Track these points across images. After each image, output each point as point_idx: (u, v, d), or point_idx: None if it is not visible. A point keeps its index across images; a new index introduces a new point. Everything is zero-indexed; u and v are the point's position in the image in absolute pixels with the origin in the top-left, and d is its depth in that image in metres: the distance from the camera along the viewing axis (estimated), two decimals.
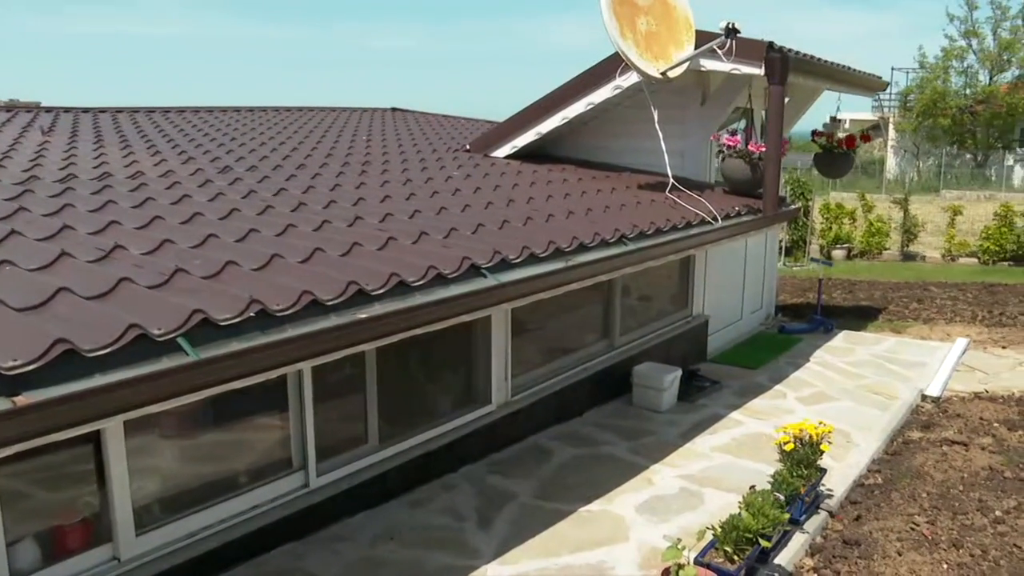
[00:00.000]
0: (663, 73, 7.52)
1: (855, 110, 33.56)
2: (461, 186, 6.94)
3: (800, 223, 18.42)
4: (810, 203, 18.76)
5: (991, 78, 35.79)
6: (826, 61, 8.74)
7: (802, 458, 5.66)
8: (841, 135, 9.92)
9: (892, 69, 36.83)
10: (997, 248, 18.11)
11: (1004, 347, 10.65)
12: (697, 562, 4.49)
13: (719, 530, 4.69)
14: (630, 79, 8.12)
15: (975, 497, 6.08)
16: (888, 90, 33.33)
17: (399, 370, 5.59)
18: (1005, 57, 34.87)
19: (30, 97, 10.96)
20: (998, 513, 5.82)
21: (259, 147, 8.39)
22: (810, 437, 5.75)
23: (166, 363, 3.01)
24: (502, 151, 9.31)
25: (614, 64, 8.36)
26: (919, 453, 7.02)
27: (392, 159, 8.36)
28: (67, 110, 10.26)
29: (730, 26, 7.18)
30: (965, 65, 35.75)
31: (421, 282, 4.09)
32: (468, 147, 9.68)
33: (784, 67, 7.58)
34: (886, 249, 19.37)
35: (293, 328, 3.46)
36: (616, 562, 4.92)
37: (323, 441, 5.04)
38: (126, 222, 4.64)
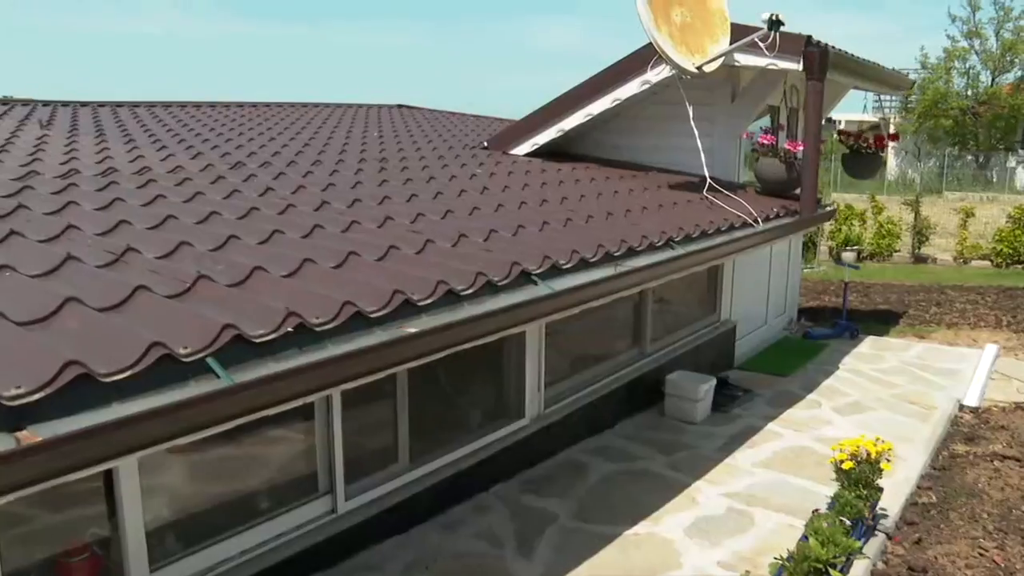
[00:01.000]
0: (699, 67, 7.14)
1: (847, 111, 33.31)
2: (488, 184, 6.54)
3: None
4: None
5: (993, 79, 35.55)
6: (860, 58, 8.40)
7: (860, 477, 5.28)
8: (869, 135, 9.60)
9: (893, 70, 36.56)
10: (1011, 251, 17.78)
11: None
12: None
13: (787, 562, 4.30)
14: (660, 74, 7.74)
15: None
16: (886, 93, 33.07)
17: (431, 383, 5.18)
18: (1008, 58, 34.61)
19: (24, 94, 10.53)
20: None
21: (268, 143, 7.97)
22: (868, 454, 5.38)
23: (195, 389, 2.60)
24: (522, 148, 8.92)
25: (641, 59, 8.00)
26: (969, 468, 6.65)
27: (409, 156, 7.95)
28: (65, 104, 9.81)
29: (774, 18, 6.79)
30: (967, 66, 35.52)
31: (470, 291, 3.69)
32: (486, 144, 9.28)
33: (824, 62, 7.21)
34: (896, 251, 19.04)
35: (335, 345, 3.05)
36: None
37: (351, 462, 4.63)
38: (136, 221, 4.23)
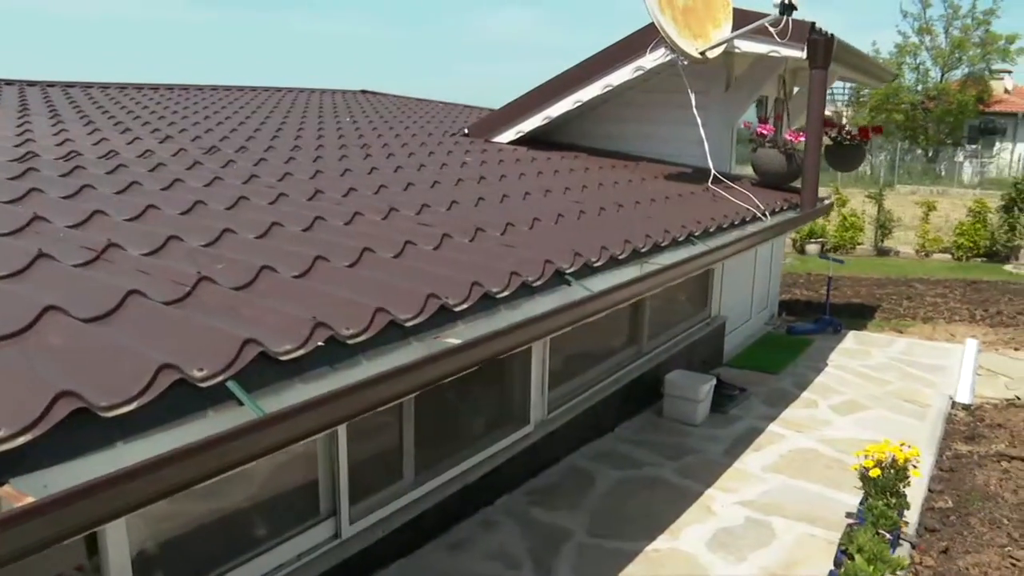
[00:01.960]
0: (702, 52, 6.79)
1: None
2: (484, 173, 6.11)
3: None
4: None
5: (943, 75, 36.13)
6: (858, 49, 8.17)
7: (887, 485, 5.02)
8: (852, 128, 9.43)
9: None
10: (971, 244, 17.94)
11: (1017, 349, 10.28)
12: None
13: None
14: (658, 59, 7.39)
15: None
16: (841, 84, 33.36)
17: (434, 391, 4.74)
18: (956, 55, 35.19)
19: None
20: None
21: (239, 126, 7.41)
22: (893, 460, 5.11)
23: (217, 422, 2.12)
24: (505, 136, 8.49)
25: (635, 44, 7.65)
26: (977, 470, 6.47)
27: (390, 142, 7.47)
28: (8, 83, 9.07)
29: (787, 1, 6.46)
30: (918, 61, 36.06)
31: (505, 293, 3.28)
32: (467, 131, 8.82)
33: (828, 50, 6.92)
34: (859, 244, 19.09)
35: (368, 360, 2.61)
36: None
37: (355, 480, 4.17)
38: (112, 211, 3.70)
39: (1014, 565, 4.97)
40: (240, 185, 4.71)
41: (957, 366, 9.20)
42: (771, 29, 6.69)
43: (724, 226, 5.55)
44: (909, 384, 8.53)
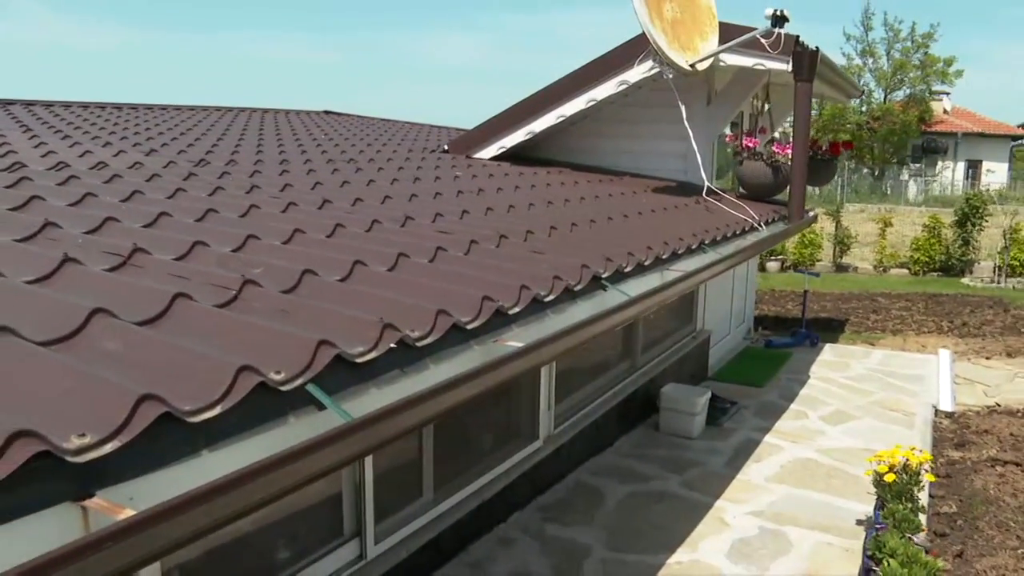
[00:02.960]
0: (692, 64, 6.82)
1: None
2: (481, 186, 6.02)
3: None
4: None
5: (885, 96, 37.24)
6: (836, 65, 8.33)
7: (902, 490, 5.01)
8: (824, 141, 9.60)
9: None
10: (927, 259, 18.38)
11: (988, 358, 10.48)
12: None
13: None
14: (643, 73, 7.41)
15: None
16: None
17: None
18: (899, 76, 36.32)
19: None
20: None
21: (219, 142, 7.22)
22: (906, 464, 5.11)
23: (298, 430, 1.97)
24: (487, 152, 8.41)
25: (618, 59, 7.68)
26: (973, 475, 6.52)
27: (376, 159, 7.34)
28: None
29: (779, 13, 6.54)
30: (862, 83, 37.05)
31: (551, 297, 3.18)
32: (446, 147, 8.73)
33: (813, 63, 7.02)
34: (819, 261, 19.41)
35: (435, 364, 2.49)
36: None
37: (379, 499, 4.00)
38: (124, 219, 3.51)
39: None
40: (244, 195, 4.55)
41: (935, 376, 9.36)
42: (763, 41, 6.75)
43: (728, 236, 5.54)
44: (891, 394, 8.62)
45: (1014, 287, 16.62)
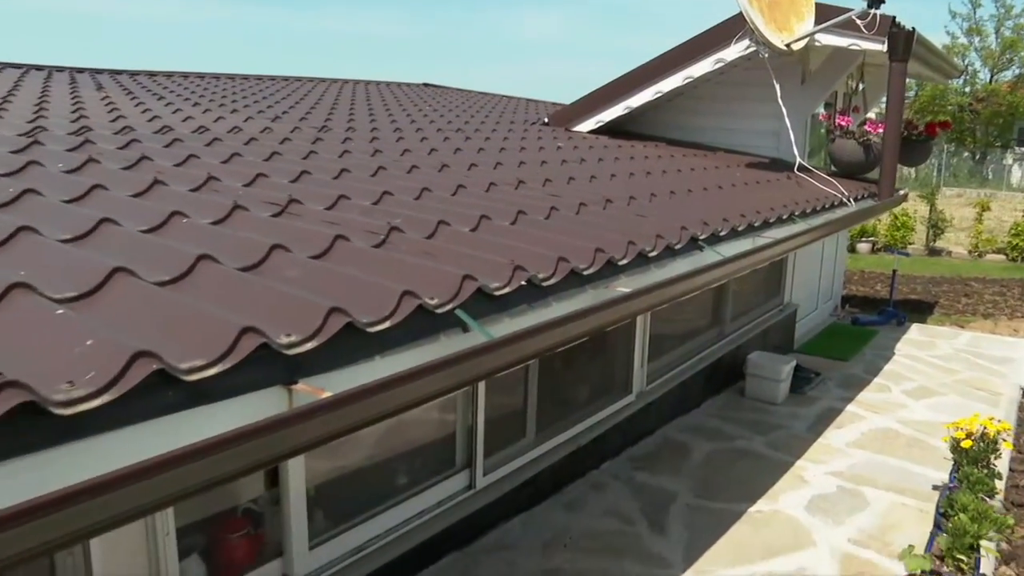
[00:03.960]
0: (787, 44, 7.03)
1: None
2: (584, 156, 6.40)
3: None
4: None
5: (992, 76, 35.79)
6: (933, 45, 8.34)
7: (979, 456, 5.22)
8: (920, 122, 9.58)
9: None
10: None
11: None
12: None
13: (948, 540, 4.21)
14: (739, 52, 7.63)
15: None
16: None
17: (554, 356, 5.04)
18: (1007, 56, 34.84)
19: None
20: None
21: (333, 112, 7.77)
22: (984, 433, 5.32)
23: (450, 343, 2.44)
24: (585, 125, 8.77)
25: (716, 37, 7.90)
26: None
27: (482, 128, 7.79)
28: (39, 68, 9.07)
29: None
30: (966, 63, 35.71)
31: (655, 252, 3.57)
32: (546, 120, 9.12)
33: (908, 43, 7.12)
34: (911, 244, 19.08)
35: (557, 302, 2.92)
36: (815, 569, 4.44)
37: (488, 435, 4.48)
38: (272, 174, 4.02)
39: None
40: (368, 158, 5.04)
41: (1023, 359, 9.34)
42: (858, 22, 6.90)
43: (818, 208, 5.79)
44: (978, 374, 8.68)
45: None
